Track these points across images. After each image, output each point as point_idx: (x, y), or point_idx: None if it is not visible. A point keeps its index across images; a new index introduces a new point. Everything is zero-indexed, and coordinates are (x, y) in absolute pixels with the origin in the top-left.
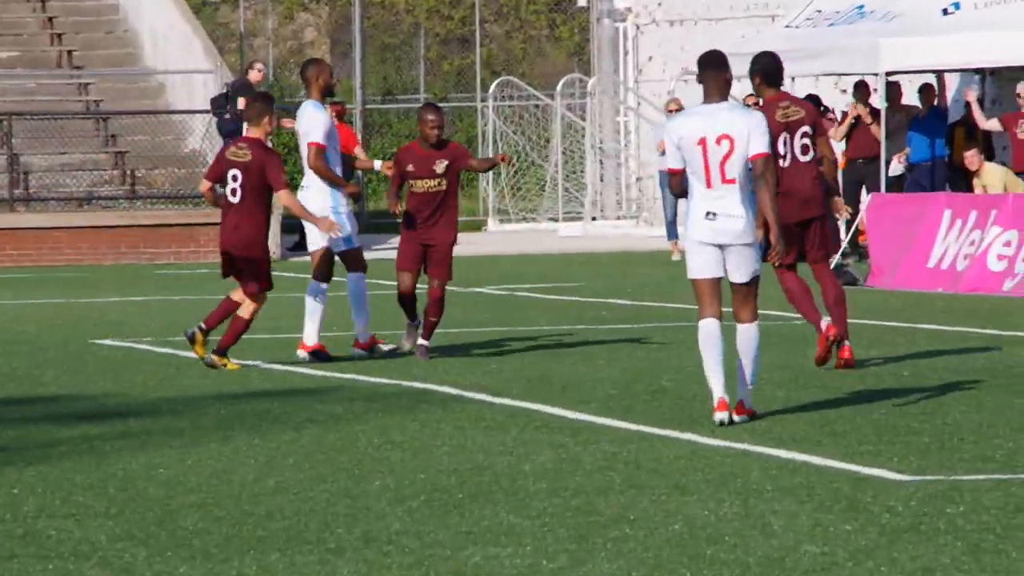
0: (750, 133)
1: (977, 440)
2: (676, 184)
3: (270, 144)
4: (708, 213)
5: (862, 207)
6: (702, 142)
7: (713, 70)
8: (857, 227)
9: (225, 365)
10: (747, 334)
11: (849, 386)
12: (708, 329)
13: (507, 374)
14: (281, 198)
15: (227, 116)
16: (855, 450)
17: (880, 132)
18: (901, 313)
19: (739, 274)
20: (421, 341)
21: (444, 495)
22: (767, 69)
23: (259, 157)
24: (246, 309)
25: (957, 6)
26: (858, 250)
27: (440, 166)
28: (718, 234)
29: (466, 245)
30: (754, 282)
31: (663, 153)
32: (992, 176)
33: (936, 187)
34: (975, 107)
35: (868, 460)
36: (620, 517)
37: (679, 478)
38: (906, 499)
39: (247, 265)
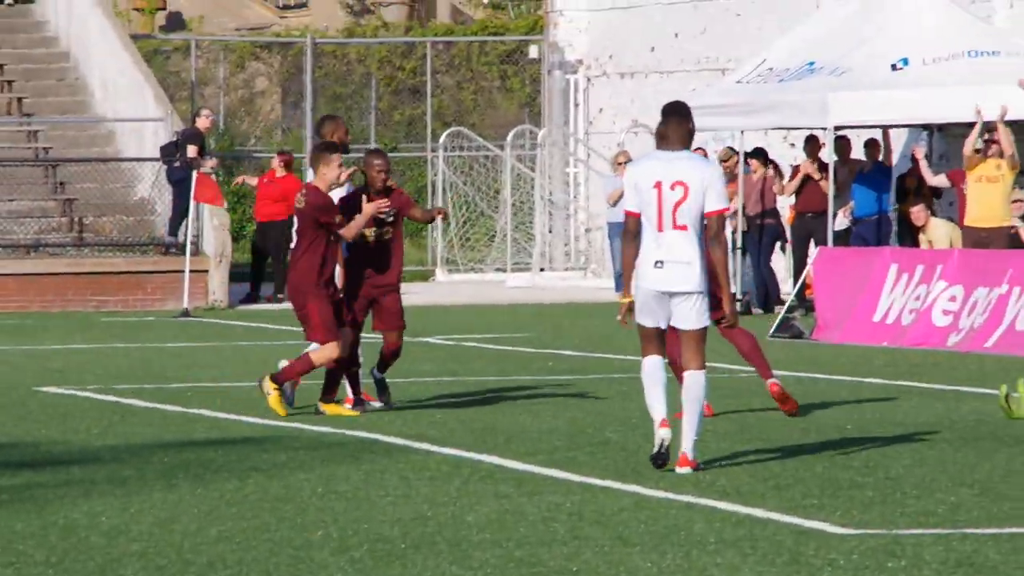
0: (707, 186)
1: (919, 495)
2: (634, 226)
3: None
4: (657, 262)
5: (810, 261)
6: (658, 185)
7: (677, 118)
8: (804, 280)
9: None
10: (694, 381)
11: (793, 439)
12: (651, 364)
13: (452, 424)
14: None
15: (176, 164)
16: (798, 503)
17: (828, 186)
18: (846, 367)
19: (687, 322)
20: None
21: (387, 545)
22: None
23: (311, 202)
24: (314, 353)
25: (906, 62)
26: (805, 303)
27: (389, 213)
28: (666, 282)
29: (414, 295)
30: (703, 330)
31: (613, 204)
32: (938, 231)
33: (881, 241)
34: (923, 163)
35: (811, 513)
36: (563, 569)
37: (622, 530)
38: (848, 553)
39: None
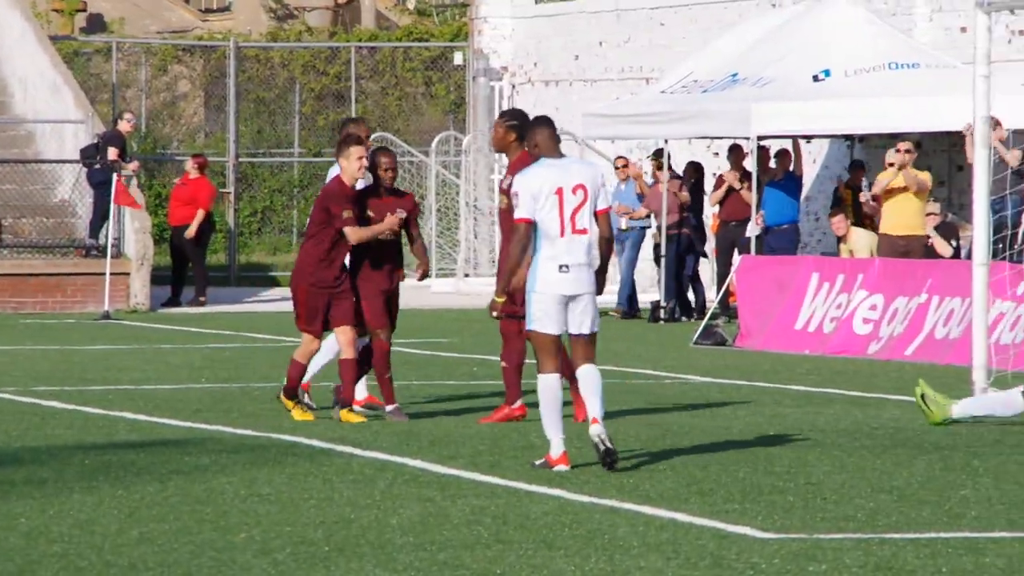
0: (599, 187)
1: (839, 500)
2: (525, 234)
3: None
4: (562, 266)
5: (733, 269)
6: (559, 192)
7: (550, 127)
8: (727, 288)
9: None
10: (589, 372)
11: (716, 445)
12: (551, 384)
13: (376, 427)
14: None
15: (97, 166)
16: (721, 508)
17: (751, 195)
18: (768, 374)
19: (584, 325)
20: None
21: (310, 548)
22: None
23: (324, 189)
24: (296, 351)
25: (827, 73)
26: (728, 311)
27: (400, 215)
28: (572, 285)
29: None
30: (596, 333)
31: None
32: (859, 241)
33: (791, 251)
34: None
35: (733, 518)
36: (487, 572)
37: (546, 533)
38: (769, 557)
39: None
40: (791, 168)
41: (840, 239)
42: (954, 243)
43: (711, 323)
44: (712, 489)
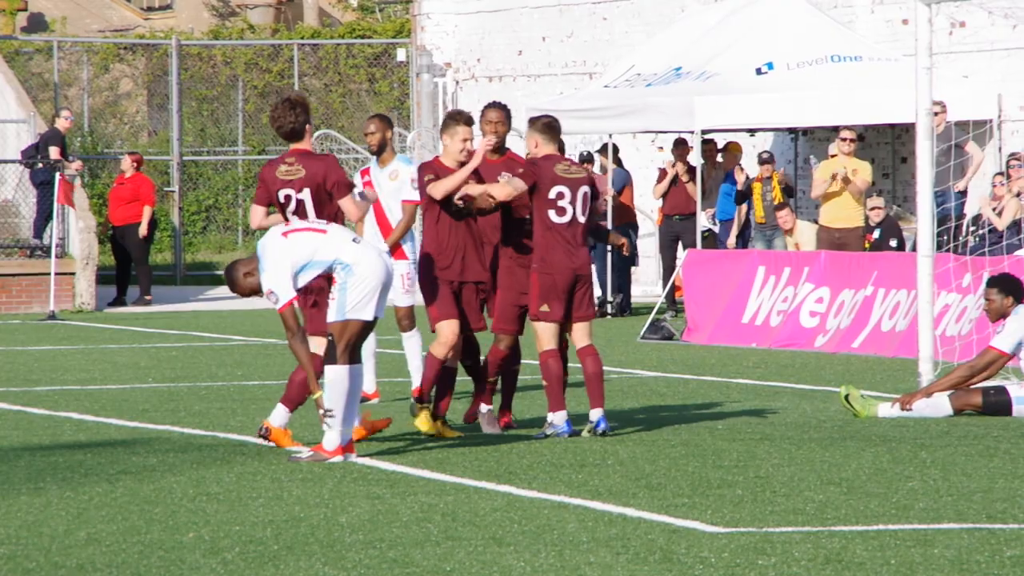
0: None
1: (788, 493)
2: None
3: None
4: (380, 252)
5: (678, 263)
6: None
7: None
8: (674, 283)
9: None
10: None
11: (664, 440)
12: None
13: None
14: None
15: (39, 166)
16: (670, 502)
17: (695, 189)
18: (716, 368)
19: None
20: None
21: (260, 547)
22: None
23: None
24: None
25: (770, 67)
26: (675, 305)
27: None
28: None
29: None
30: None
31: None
32: (804, 234)
33: (737, 245)
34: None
35: (682, 512)
36: (437, 569)
37: (496, 530)
38: (719, 551)
39: None
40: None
41: (787, 232)
42: (894, 242)
43: (658, 318)
44: (661, 483)
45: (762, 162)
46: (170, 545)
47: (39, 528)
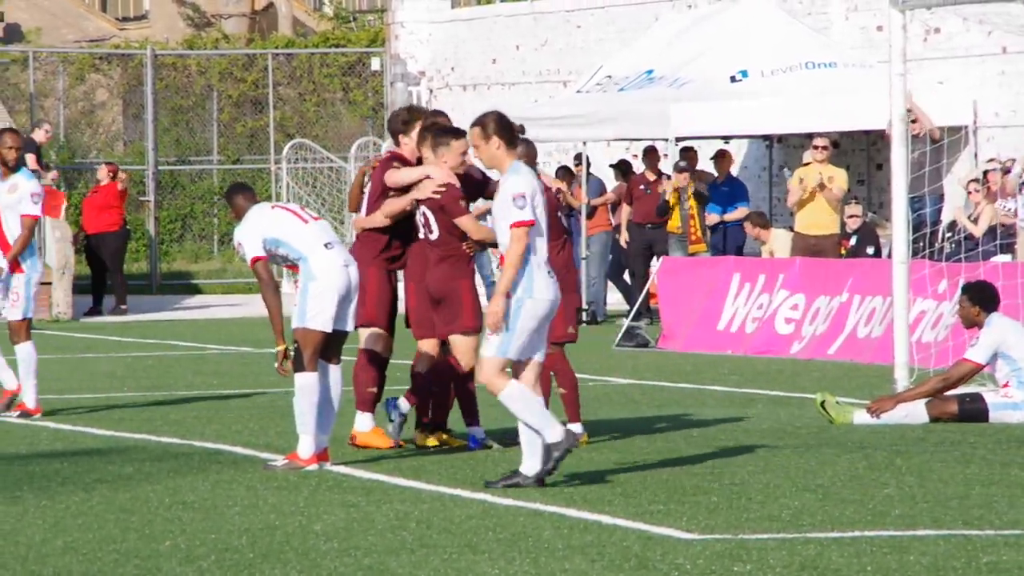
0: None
1: (764, 500)
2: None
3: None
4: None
5: (652, 271)
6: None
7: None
8: (648, 290)
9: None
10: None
11: (639, 447)
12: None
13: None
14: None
15: None
16: (645, 509)
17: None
18: (691, 375)
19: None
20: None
21: (235, 555)
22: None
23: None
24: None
25: (745, 74)
26: (650, 313)
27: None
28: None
29: (245, 307)
30: None
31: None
32: (779, 241)
33: (727, 251)
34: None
35: (658, 519)
36: None
37: (471, 537)
38: (694, 557)
39: None
40: (729, 170)
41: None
42: (871, 249)
43: (633, 325)
44: (636, 491)
45: (679, 171)
46: (146, 553)
47: (16, 537)
